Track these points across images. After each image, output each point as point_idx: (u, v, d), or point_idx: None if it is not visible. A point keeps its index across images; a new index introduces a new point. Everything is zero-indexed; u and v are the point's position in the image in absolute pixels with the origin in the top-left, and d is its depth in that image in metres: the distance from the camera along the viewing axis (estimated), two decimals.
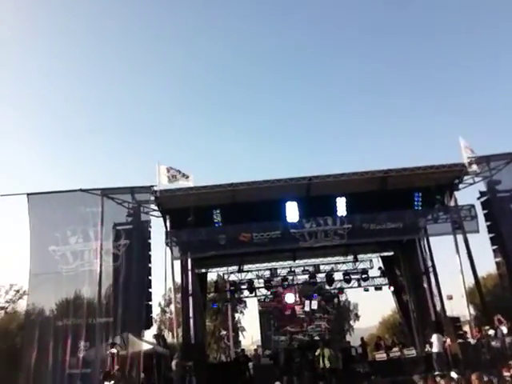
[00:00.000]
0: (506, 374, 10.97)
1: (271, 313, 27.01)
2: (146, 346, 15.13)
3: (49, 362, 14.14)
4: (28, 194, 16.12)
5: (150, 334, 19.23)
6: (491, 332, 15.90)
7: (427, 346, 16.63)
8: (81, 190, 15.91)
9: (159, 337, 22.33)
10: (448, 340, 16.64)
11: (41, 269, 15.48)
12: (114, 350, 11.67)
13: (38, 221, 15.94)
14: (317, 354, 16.65)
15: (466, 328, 18.19)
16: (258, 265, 25.23)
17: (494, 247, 16.67)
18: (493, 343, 15.99)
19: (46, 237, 15.83)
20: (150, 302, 16.19)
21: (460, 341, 16.34)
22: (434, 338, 15.53)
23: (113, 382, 11.46)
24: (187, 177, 16.62)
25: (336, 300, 27.33)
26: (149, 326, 16.50)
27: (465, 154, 16.86)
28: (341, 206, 17.46)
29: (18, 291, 29.82)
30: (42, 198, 16.25)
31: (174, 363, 14.92)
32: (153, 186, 16.32)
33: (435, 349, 15.35)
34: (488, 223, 16.82)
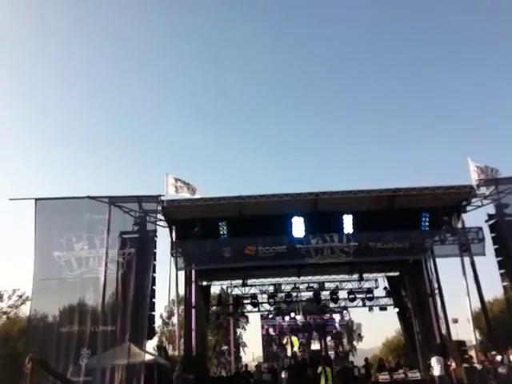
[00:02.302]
0: None
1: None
2: (147, 357, 15.03)
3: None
4: (36, 199, 16.25)
5: (151, 346, 19.13)
6: (499, 358, 15.66)
7: (430, 368, 16.37)
8: (89, 197, 16.00)
9: (161, 348, 22.16)
10: (453, 364, 16.38)
11: (45, 274, 15.51)
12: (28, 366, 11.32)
13: (43, 226, 16.01)
14: (318, 371, 16.45)
15: (472, 353, 17.90)
16: (262, 279, 25.06)
17: (502, 271, 16.50)
18: (499, 369, 15.74)
19: (51, 242, 15.89)
20: (153, 312, 16.14)
21: (465, 365, 16.05)
22: (434, 361, 15.26)
23: None
24: (194, 190, 16.69)
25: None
26: (151, 336, 16.43)
27: (473, 175, 16.82)
28: (347, 223, 17.44)
29: (20, 296, 29.85)
30: (49, 204, 16.35)
31: (174, 375, 14.76)
32: (160, 196, 16.39)
33: (436, 372, 15.08)
34: (496, 246, 16.69)
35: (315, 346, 26.33)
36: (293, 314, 26.78)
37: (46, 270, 15.65)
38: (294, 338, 26.86)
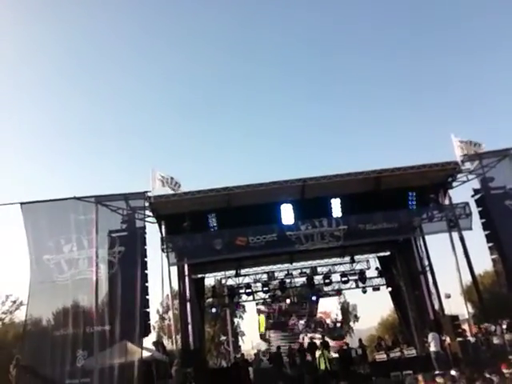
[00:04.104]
0: (505, 371, 10.93)
1: (269, 317, 27.42)
2: (144, 354, 15.04)
3: (47, 372, 14.04)
4: (21, 204, 16.03)
5: (148, 341, 19.14)
6: (493, 328, 15.95)
7: (426, 345, 16.65)
8: (74, 198, 15.83)
9: (158, 344, 22.24)
10: (447, 339, 16.67)
11: (37, 278, 15.37)
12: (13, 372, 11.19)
13: (32, 230, 15.81)
14: (317, 355, 16.64)
15: (465, 326, 18.21)
16: (255, 268, 25.19)
17: (490, 244, 16.68)
18: (494, 340, 16.05)
19: (41, 246, 15.71)
20: (148, 309, 16.05)
21: (459, 339, 16.33)
22: (430, 337, 15.55)
23: None
24: (179, 186, 16.55)
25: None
26: (147, 333, 16.38)
27: (457, 151, 16.93)
28: (336, 207, 17.49)
29: (14, 302, 29.63)
30: (35, 207, 16.14)
31: (173, 370, 14.85)
32: (147, 192, 16.25)
33: (433, 348, 15.35)
34: (483, 220, 16.85)
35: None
36: (288, 301, 27.21)
37: (38, 274, 15.48)
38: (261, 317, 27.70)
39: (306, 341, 25.12)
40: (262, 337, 28.20)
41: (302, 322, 28.33)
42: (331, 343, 23.21)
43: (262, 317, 28.36)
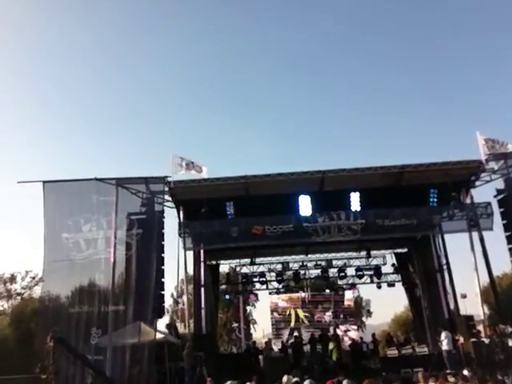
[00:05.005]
0: None
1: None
2: (157, 335, 15.26)
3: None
4: (44, 182, 16.34)
5: (162, 324, 19.43)
6: (509, 330, 15.74)
7: (439, 343, 16.50)
8: (96, 179, 16.04)
9: (171, 326, 22.52)
10: (461, 338, 16.48)
11: (54, 256, 15.70)
12: (51, 344, 11.62)
13: (52, 208, 16.14)
14: (330, 347, 16.68)
15: (480, 327, 17.98)
16: (270, 258, 25.20)
17: (510, 246, 16.40)
18: (509, 343, 15.82)
19: (60, 224, 16.03)
20: (163, 292, 16.36)
21: (473, 340, 16.14)
22: (443, 336, 15.42)
23: (50, 375, 11.46)
24: (200, 169, 16.64)
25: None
26: (161, 315, 16.66)
27: (482, 149, 16.57)
28: (355, 200, 17.33)
29: (33, 278, 30.29)
30: (57, 186, 16.47)
31: (185, 353, 15.05)
32: (167, 177, 16.38)
33: (445, 346, 15.24)
34: (504, 222, 16.56)
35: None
36: (302, 294, 27.17)
37: (56, 252, 15.85)
38: (299, 310, 27.42)
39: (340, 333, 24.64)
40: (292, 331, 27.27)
41: (328, 313, 28.00)
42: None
43: (300, 311, 27.88)
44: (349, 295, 28.73)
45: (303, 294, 27.39)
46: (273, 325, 27.78)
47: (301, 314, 27.69)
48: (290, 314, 27.76)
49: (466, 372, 10.39)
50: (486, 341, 16.25)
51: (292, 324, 27.11)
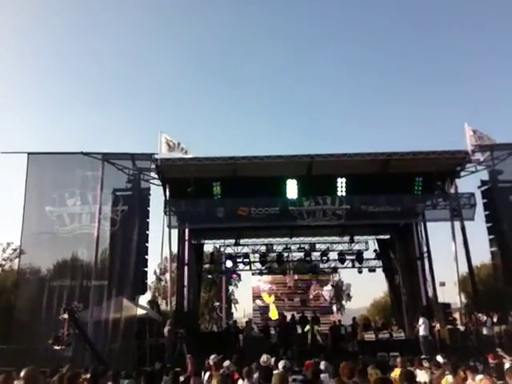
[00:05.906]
0: (491, 361, 11.10)
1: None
2: (139, 311, 15.34)
3: (42, 320, 14.34)
4: (29, 153, 16.09)
5: (144, 300, 19.50)
6: (484, 319, 16.13)
7: (415, 329, 16.86)
8: (82, 153, 15.84)
9: (153, 303, 22.69)
10: (438, 325, 16.87)
11: (36, 228, 15.58)
12: (65, 316, 11.72)
13: (35, 180, 15.93)
14: (306, 329, 16.92)
15: (456, 315, 18.41)
16: (254, 239, 25.31)
17: (491, 237, 16.70)
18: (484, 331, 16.25)
19: (43, 197, 15.86)
20: (146, 269, 16.31)
21: (449, 327, 16.53)
22: (421, 321, 15.76)
23: (63, 346, 11.60)
24: (185, 152, 16.48)
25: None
26: (143, 291, 16.70)
27: (469, 141, 16.72)
28: (341, 186, 17.45)
29: (15, 250, 30.06)
30: (42, 158, 16.24)
31: (166, 329, 15.14)
32: (154, 154, 16.26)
33: (422, 332, 15.58)
34: (486, 212, 16.82)
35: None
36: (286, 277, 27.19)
37: (38, 225, 15.72)
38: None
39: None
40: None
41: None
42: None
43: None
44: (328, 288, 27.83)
45: (286, 278, 27.36)
46: (255, 310, 27.70)
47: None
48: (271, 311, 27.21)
49: (439, 357, 10.64)
50: (462, 328, 16.68)
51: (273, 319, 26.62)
